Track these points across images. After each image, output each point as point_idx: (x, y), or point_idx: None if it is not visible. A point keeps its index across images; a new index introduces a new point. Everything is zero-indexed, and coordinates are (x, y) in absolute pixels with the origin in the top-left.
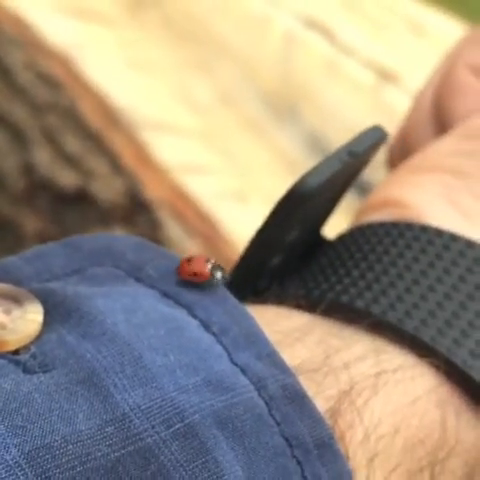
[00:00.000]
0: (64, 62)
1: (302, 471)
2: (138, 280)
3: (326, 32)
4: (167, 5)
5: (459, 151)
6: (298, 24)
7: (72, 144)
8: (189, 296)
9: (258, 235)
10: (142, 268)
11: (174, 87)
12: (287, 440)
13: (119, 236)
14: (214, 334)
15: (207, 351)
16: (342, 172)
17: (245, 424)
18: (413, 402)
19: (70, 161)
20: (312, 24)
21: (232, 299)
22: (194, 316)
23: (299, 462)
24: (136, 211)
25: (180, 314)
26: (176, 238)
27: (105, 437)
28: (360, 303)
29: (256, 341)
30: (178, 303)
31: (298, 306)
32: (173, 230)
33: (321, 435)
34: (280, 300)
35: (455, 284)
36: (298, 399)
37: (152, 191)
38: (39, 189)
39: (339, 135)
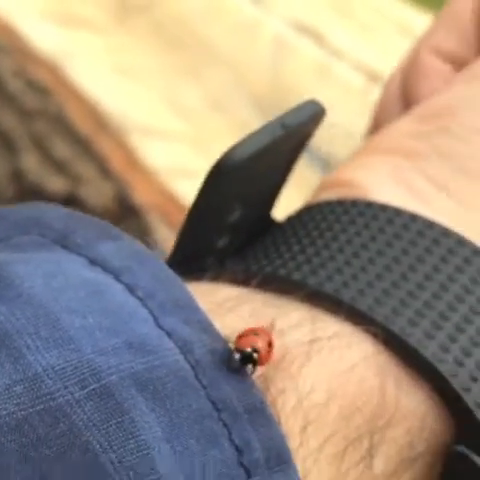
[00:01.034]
0: (53, 69)
1: (229, 434)
2: (64, 247)
3: (316, 36)
4: (155, 11)
5: (413, 132)
6: (288, 28)
7: (61, 150)
8: (117, 262)
9: (191, 211)
10: (69, 236)
11: (163, 92)
12: (214, 403)
13: (47, 207)
14: (139, 298)
15: (130, 314)
16: (276, 145)
17: (167, 386)
18: (349, 369)
19: (59, 166)
20: (302, 28)
21: (162, 265)
22: (120, 281)
23: (226, 425)
24: (125, 215)
25: (105, 279)
26: (166, 242)
27: (12, 396)
28: (297, 275)
29: (185, 307)
30: (105, 269)
31: (235, 280)
32: (163, 234)
33: (252, 400)
34: (217, 275)
35: (397, 256)
36: (226, 364)
37: (141, 195)
38: (28, 195)
39: (330, 138)
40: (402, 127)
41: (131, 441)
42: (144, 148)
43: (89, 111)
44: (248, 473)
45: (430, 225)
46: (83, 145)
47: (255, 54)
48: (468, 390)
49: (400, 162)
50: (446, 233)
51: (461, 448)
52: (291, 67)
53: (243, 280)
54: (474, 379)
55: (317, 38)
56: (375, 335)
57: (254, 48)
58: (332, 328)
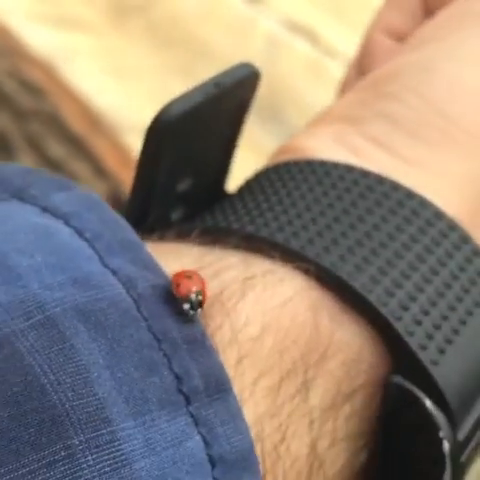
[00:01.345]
0: (47, 69)
1: (169, 363)
2: (21, 199)
3: (309, 34)
4: (150, 11)
5: (357, 100)
6: (281, 27)
7: (56, 149)
8: (66, 208)
9: (135, 177)
10: (25, 189)
11: (157, 91)
12: (154, 334)
13: (6, 164)
14: (87, 240)
15: (77, 254)
16: (211, 104)
17: (109, 318)
18: (282, 304)
19: (54, 166)
20: (295, 27)
21: (110, 210)
22: (69, 225)
23: (166, 355)
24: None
25: (55, 223)
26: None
27: None
28: (235, 225)
29: (130, 248)
30: (55, 216)
31: (180, 236)
32: None
33: (192, 332)
34: (163, 234)
35: (346, 208)
36: (168, 298)
37: None
38: None
39: None
40: (349, 97)
41: (71, 365)
42: (138, 148)
43: (84, 111)
44: (187, 400)
45: (380, 180)
46: (78, 145)
47: (249, 53)
48: (399, 319)
49: (344, 128)
50: (396, 187)
51: (397, 378)
52: (285, 66)
53: (187, 235)
54: (405, 308)
55: (311, 37)
56: (307, 271)
57: (248, 47)
58: (265, 266)
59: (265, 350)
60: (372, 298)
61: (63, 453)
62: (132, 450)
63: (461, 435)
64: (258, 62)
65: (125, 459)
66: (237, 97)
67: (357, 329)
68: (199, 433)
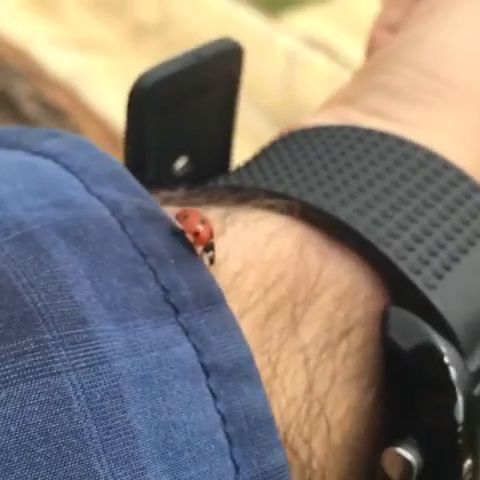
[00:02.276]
0: (68, 91)
1: (155, 275)
2: (15, 148)
3: (327, 50)
4: (166, 31)
5: (352, 85)
6: (299, 43)
7: None
8: (55, 150)
9: (124, 150)
10: (19, 142)
11: None
12: (139, 250)
13: (5, 126)
14: (74, 172)
15: (61, 182)
16: (189, 73)
17: (90, 233)
18: (265, 239)
19: None
20: (313, 43)
21: (98, 149)
22: (57, 162)
23: (152, 268)
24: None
25: (43, 161)
26: None
27: None
28: (222, 181)
29: (118, 177)
30: (45, 156)
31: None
32: None
33: (180, 248)
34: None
35: (349, 162)
36: (156, 218)
37: None
38: None
39: None
40: (348, 83)
41: (46, 271)
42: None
43: (105, 132)
44: (176, 310)
45: (400, 141)
46: None
47: (268, 70)
48: (388, 245)
49: (343, 108)
50: (401, 142)
51: (395, 309)
52: (303, 81)
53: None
54: (394, 236)
55: (329, 52)
56: (290, 207)
57: (267, 64)
58: (247, 207)
59: (248, 286)
60: (358, 227)
61: (33, 345)
62: (112, 350)
63: (473, 365)
64: (277, 77)
65: (103, 357)
66: (219, 69)
67: (348, 263)
68: (190, 341)
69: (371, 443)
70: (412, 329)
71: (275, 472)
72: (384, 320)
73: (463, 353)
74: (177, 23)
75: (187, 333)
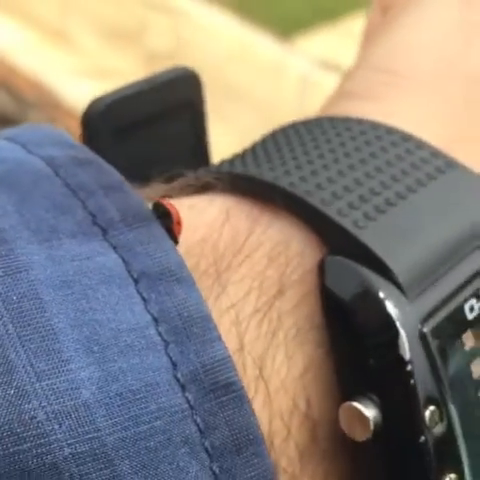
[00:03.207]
0: None
1: (83, 204)
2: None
3: (340, 70)
4: (182, 58)
5: (352, 76)
6: (312, 65)
7: None
8: (13, 132)
9: None
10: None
11: None
12: (70, 187)
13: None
14: (17, 142)
15: (2, 148)
16: (140, 97)
17: (21, 179)
18: (197, 213)
19: None
20: (327, 65)
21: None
22: (6, 139)
23: (80, 199)
24: None
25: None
26: None
27: None
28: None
29: (62, 142)
30: (3, 138)
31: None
32: None
33: (109, 180)
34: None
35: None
36: (88, 163)
37: None
38: None
39: None
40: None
41: None
42: None
43: None
44: (104, 231)
45: (359, 121)
46: None
47: (282, 93)
48: (310, 194)
49: (341, 100)
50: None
51: (329, 257)
52: (317, 102)
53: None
54: (320, 187)
55: (341, 73)
56: (220, 181)
57: (281, 87)
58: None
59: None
60: (282, 183)
61: None
62: (31, 262)
63: (422, 305)
64: (291, 101)
65: (22, 266)
66: (174, 95)
67: (279, 223)
68: (116, 253)
69: (327, 405)
70: (348, 274)
71: (216, 364)
72: (320, 272)
73: (406, 292)
74: (190, 50)
75: (114, 247)
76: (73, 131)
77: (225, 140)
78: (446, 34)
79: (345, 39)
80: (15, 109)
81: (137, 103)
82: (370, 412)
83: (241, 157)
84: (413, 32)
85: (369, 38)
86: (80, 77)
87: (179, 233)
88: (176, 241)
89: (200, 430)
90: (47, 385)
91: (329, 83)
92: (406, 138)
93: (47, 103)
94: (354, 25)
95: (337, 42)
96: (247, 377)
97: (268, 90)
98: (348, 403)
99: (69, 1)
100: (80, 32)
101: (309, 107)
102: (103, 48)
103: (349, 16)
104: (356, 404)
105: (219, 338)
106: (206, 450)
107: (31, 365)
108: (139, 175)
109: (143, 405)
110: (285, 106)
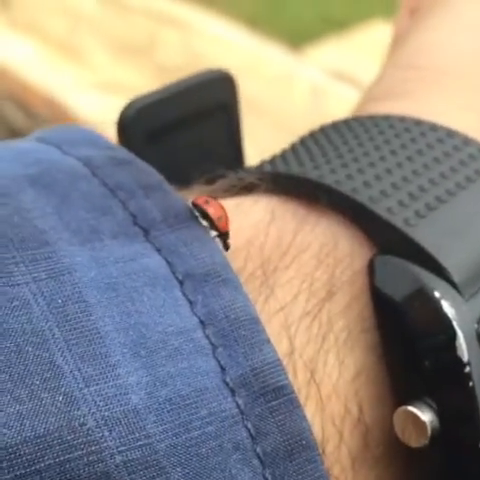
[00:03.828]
0: None
1: (124, 205)
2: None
3: (352, 80)
4: (193, 69)
5: (376, 80)
6: (324, 75)
7: None
8: (44, 134)
9: None
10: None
11: None
12: (109, 187)
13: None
14: (52, 144)
15: (38, 150)
16: (172, 100)
17: (58, 179)
18: (244, 213)
19: None
20: (337, 74)
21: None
22: (41, 141)
23: (121, 200)
24: None
25: (29, 143)
26: None
27: None
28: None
29: (96, 141)
30: (36, 140)
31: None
32: None
33: (149, 179)
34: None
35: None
36: (127, 163)
37: None
38: None
39: None
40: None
41: (7, 207)
42: None
43: None
44: (146, 232)
45: (386, 117)
46: None
47: (294, 103)
48: (356, 191)
49: (370, 101)
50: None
51: (380, 257)
52: (329, 112)
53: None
54: (368, 185)
55: (352, 82)
56: (263, 181)
57: (293, 97)
58: (243, 197)
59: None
60: (328, 181)
61: None
62: (74, 263)
63: (478, 304)
64: (303, 110)
65: (65, 269)
66: (207, 97)
67: (325, 223)
68: (160, 255)
69: (380, 410)
70: (399, 273)
71: (265, 368)
72: (370, 272)
73: (461, 291)
74: (202, 62)
75: (157, 249)
76: None
77: None
78: (470, 32)
79: (355, 49)
80: (26, 124)
81: (171, 106)
82: (426, 416)
83: (282, 157)
84: (438, 31)
85: (397, 41)
86: (91, 92)
87: (226, 234)
88: (227, 247)
89: (251, 436)
90: (95, 390)
91: (340, 92)
92: (451, 134)
93: (58, 118)
94: (364, 35)
95: (347, 52)
96: (298, 381)
97: (279, 100)
98: (403, 408)
99: (80, 16)
100: (91, 47)
101: (320, 116)
102: (114, 63)
103: (359, 26)
104: (412, 408)
105: (268, 341)
106: (258, 456)
107: (79, 370)
108: (174, 178)
109: (193, 411)
110: (297, 116)
